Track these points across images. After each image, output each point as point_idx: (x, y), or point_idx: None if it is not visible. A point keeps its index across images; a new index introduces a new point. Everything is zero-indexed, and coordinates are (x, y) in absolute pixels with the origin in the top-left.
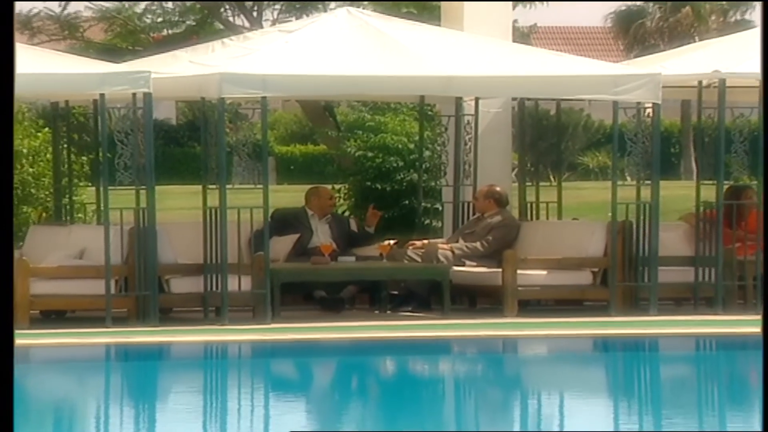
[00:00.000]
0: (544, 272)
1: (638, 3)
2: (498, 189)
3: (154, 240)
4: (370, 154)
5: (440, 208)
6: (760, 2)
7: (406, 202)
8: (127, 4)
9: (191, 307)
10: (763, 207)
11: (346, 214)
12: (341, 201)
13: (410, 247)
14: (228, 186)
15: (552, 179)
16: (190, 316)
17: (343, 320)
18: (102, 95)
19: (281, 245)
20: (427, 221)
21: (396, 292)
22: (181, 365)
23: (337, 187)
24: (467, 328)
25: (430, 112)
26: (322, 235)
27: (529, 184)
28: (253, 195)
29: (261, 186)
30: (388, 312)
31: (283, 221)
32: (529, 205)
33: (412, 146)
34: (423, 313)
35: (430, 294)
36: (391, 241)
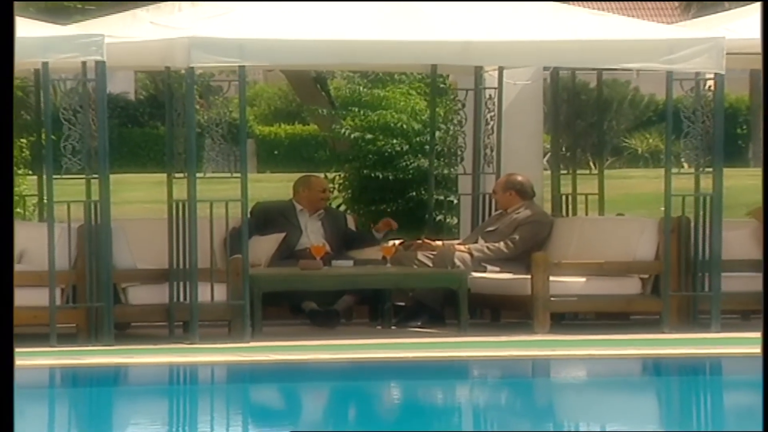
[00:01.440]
0: (583, 279)
1: None
2: (519, 178)
3: (109, 240)
4: (368, 136)
5: (455, 202)
6: (761, 2)
7: (414, 193)
8: None
9: (154, 322)
10: (763, 204)
11: (342, 208)
12: (335, 193)
13: (419, 249)
14: (198, 174)
15: (592, 166)
16: (153, 333)
17: (339, 337)
18: (45, 64)
19: (263, 246)
20: (440, 217)
21: (402, 304)
22: (142, 392)
23: (330, 176)
24: (489, 346)
25: (442, 85)
26: (312, 235)
27: (564, 172)
28: (228, 185)
29: (238, 174)
30: (393, 327)
31: (266, 217)
32: (564, 197)
33: (418, 126)
34: (435, 328)
35: (444, 305)
36: (396, 242)
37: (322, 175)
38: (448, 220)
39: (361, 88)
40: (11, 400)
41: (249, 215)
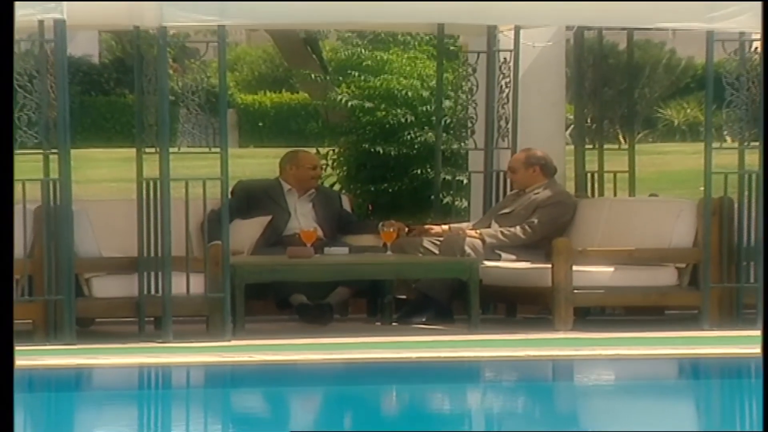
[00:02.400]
0: (610, 269)
1: None
2: (540, 153)
3: (70, 224)
4: (367, 105)
5: (465, 181)
6: (761, 2)
7: (418, 171)
8: None
9: (121, 317)
10: (763, 201)
11: (337, 188)
12: (329, 170)
13: (424, 235)
14: (172, 149)
15: (621, 140)
16: (120, 330)
17: (332, 335)
18: None
19: (246, 231)
20: (448, 198)
21: (405, 297)
22: (107, 397)
23: (323, 150)
24: (504, 345)
25: (452, 47)
26: (302, 218)
27: (590, 146)
28: (206, 162)
29: (218, 149)
30: (394, 324)
31: (249, 198)
32: (589, 175)
33: (426, 94)
34: (442, 325)
35: (452, 299)
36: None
37: (313, 150)
38: (456, 201)
39: (360, 51)
40: (11, 401)
41: (230, 196)
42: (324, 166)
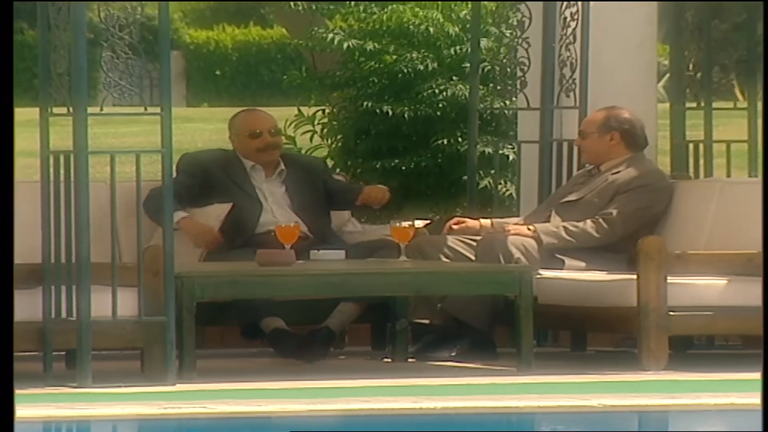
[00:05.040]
0: (722, 281)
1: None
2: (627, 115)
3: None
4: (371, 47)
5: (511, 157)
6: (762, 2)
7: (444, 141)
8: None
9: (20, 351)
10: (762, 207)
11: (329, 163)
12: (317, 139)
13: (453, 230)
14: (91, 109)
15: (739, 96)
16: (18, 369)
17: (321, 376)
18: None
19: (199, 226)
20: (488, 180)
21: (426, 321)
22: None
23: (308, 111)
24: (568, 391)
25: None
26: (276, 206)
27: (693, 105)
28: (141, 127)
29: (157, 109)
30: (411, 360)
31: (202, 179)
32: (691, 147)
33: (455, 30)
34: (480, 362)
35: (495, 325)
36: (418, 221)
37: (284, 111)
38: (500, 184)
39: None
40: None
41: (175, 175)
42: (312, 132)
